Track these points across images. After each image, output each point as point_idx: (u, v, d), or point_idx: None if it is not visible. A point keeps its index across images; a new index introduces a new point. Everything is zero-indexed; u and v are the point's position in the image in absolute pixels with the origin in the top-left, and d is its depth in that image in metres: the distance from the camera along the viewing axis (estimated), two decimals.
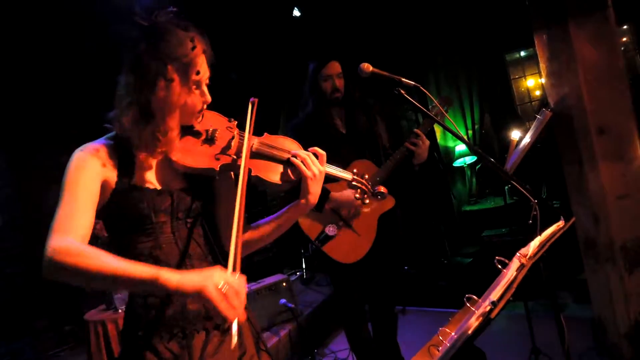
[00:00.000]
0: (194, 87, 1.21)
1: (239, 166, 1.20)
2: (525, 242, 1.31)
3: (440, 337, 1.16)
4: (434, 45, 5.72)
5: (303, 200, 1.30)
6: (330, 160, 1.38)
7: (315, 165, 1.30)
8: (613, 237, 2.35)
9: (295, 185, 1.33)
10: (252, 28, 4.88)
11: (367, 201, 1.42)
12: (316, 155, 1.33)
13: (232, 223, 1.10)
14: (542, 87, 5.32)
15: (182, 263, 1.24)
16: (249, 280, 3.97)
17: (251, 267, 4.48)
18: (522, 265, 1.20)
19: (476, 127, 5.86)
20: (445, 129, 1.78)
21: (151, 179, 1.24)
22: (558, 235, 1.37)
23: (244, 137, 1.27)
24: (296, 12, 5.06)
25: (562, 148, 2.53)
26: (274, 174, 1.30)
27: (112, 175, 1.18)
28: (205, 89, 1.25)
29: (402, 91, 1.62)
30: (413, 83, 1.63)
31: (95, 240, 1.14)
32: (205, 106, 1.27)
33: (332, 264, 2.38)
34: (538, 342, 2.51)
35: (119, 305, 3.05)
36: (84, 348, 3.24)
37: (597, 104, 2.32)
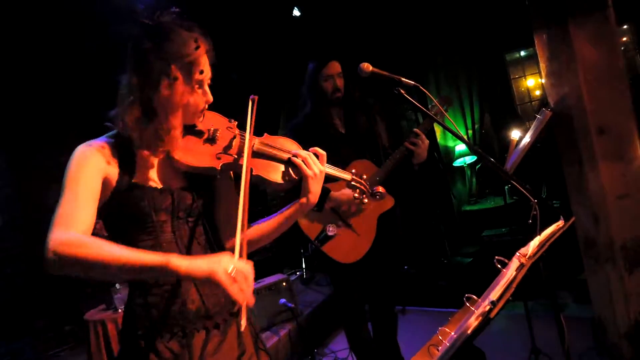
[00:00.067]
0: (197, 86, 1.22)
1: (241, 165, 1.21)
2: (525, 242, 1.31)
3: (440, 337, 1.16)
4: (434, 45, 5.72)
5: (304, 200, 1.32)
6: (330, 160, 1.39)
7: (316, 165, 1.31)
8: (613, 237, 2.35)
9: (295, 184, 1.34)
10: (252, 28, 4.88)
11: (366, 201, 1.44)
12: (316, 155, 1.34)
13: (235, 216, 1.11)
14: (542, 86, 5.32)
15: None
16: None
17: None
18: (521, 265, 1.20)
19: (476, 126, 5.86)
20: (445, 128, 1.78)
21: (152, 177, 1.25)
22: (558, 235, 1.37)
23: (244, 136, 1.28)
24: (296, 12, 5.06)
25: (562, 148, 2.53)
26: (275, 173, 1.32)
27: (113, 173, 1.18)
28: (207, 88, 1.25)
29: (402, 91, 1.62)
30: (413, 83, 1.63)
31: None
32: (207, 106, 1.28)
33: (331, 263, 2.38)
34: (538, 342, 2.51)
35: (118, 305, 3.05)
36: (84, 348, 3.24)
37: (597, 104, 2.32)
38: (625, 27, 5.50)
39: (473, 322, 1.06)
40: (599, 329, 2.59)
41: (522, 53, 6.28)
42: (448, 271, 4.60)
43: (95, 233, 1.11)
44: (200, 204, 1.30)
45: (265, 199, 5.79)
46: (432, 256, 4.89)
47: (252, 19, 4.82)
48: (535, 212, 1.48)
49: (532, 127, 2.54)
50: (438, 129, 5.72)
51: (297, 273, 5.20)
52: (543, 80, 2.72)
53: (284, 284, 3.84)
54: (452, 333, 1.12)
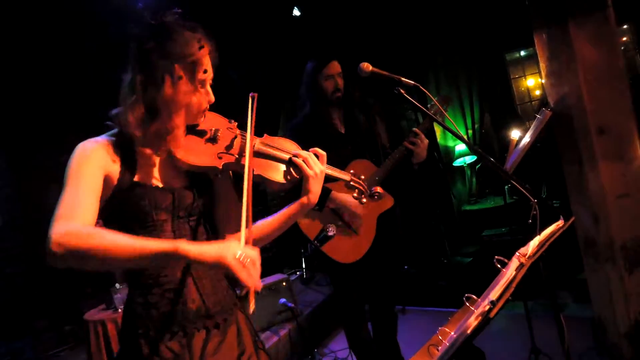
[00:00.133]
0: (199, 86, 1.23)
1: (242, 165, 1.22)
2: (524, 242, 1.31)
3: (440, 337, 1.16)
4: (434, 45, 5.72)
5: (304, 199, 1.33)
6: (330, 160, 1.40)
7: (316, 165, 1.33)
8: (613, 237, 2.35)
9: (295, 184, 1.35)
10: (252, 28, 4.88)
11: (364, 201, 1.45)
12: (317, 156, 1.35)
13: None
14: (542, 86, 5.32)
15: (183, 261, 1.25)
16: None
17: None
18: (521, 265, 1.20)
19: (476, 126, 5.86)
20: (445, 128, 1.78)
21: (153, 176, 1.25)
22: (557, 234, 1.37)
23: (245, 137, 1.29)
24: (296, 12, 5.06)
25: (562, 148, 2.53)
26: (275, 173, 1.33)
27: (114, 171, 1.18)
28: (209, 88, 1.26)
29: (402, 91, 1.62)
30: (413, 82, 1.63)
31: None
32: (208, 106, 1.29)
33: (331, 263, 2.38)
34: (538, 342, 2.51)
35: (118, 305, 3.05)
36: (84, 348, 3.24)
37: (597, 104, 2.32)
38: (625, 27, 5.51)
39: (473, 321, 1.06)
40: (599, 328, 2.59)
41: (522, 53, 6.28)
42: (448, 271, 4.60)
43: None
44: (200, 204, 1.30)
45: (265, 199, 5.79)
46: (432, 256, 4.89)
47: (252, 19, 4.82)
48: (535, 212, 1.48)
49: (532, 126, 2.54)
50: (438, 129, 5.72)
51: (297, 273, 5.20)
52: (543, 80, 2.72)
53: (284, 284, 3.84)
54: (452, 333, 1.12)
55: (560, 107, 2.46)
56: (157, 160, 1.27)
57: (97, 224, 1.15)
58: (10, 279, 4.23)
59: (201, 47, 1.19)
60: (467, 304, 1.16)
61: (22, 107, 4.38)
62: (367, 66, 1.68)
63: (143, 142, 1.21)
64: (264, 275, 3.67)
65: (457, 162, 5.71)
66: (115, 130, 1.24)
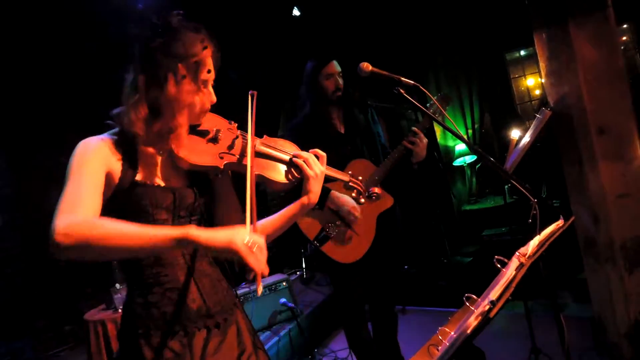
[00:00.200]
0: (202, 86, 1.23)
1: (244, 165, 1.24)
2: (524, 242, 1.31)
3: (440, 337, 1.16)
4: (434, 45, 5.72)
5: (304, 199, 1.34)
6: (329, 160, 1.41)
7: (317, 166, 1.34)
8: (613, 237, 2.35)
9: (295, 185, 1.36)
10: (252, 27, 4.88)
11: (362, 201, 1.49)
12: (317, 157, 1.37)
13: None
14: (542, 86, 5.32)
15: (184, 259, 1.26)
16: (249, 280, 3.99)
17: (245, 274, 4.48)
18: (521, 265, 1.20)
19: (476, 126, 5.86)
20: (445, 128, 1.78)
21: (154, 175, 1.25)
22: (557, 234, 1.37)
23: (246, 137, 1.30)
24: (296, 12, 5.06)
25: (562, 147, 2.53)
26: (276, 173, 1.34)
27: (116, 169, 1.18)
28: (211, 89, 1.27)
29: (402, 90, 1.62)
30: (413, 82, 1.63)
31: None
32: (210, 106, 1.29)
33: (331, 264, 2.38)
34: (538, 342, 2.51)
35: (118, 305, 3.05)
36: (84, 348, 3.24)
37: (597, 104, 2.32)
38: (625, 26, 5.50)
39: (473, 321, 1.06)
40: (599, 328, 2.59)
41: (522, 52, 6.28)
42: (448, 271, 4.59)
43: None
44: (201, 203, 1.31)
45: (265, 199, 5.79)
46: (432, 256, 4.88)
47: (252, 19, 4.82)
48: (535, 212, 1.48)
49: (532, 126, 2.54)
50: (438, 129, 5.72)
51: (297, 273, 5.20)
52: (543, 80, 2.72)
53: (284, 284, 3.84)
54: (452, 333, 1.12)
55: (560, 107, 2.46)
56: (158, 159, 1.27)
57: None
58: (10, 279, 4.22)
59: (205, 48, 1.21)
60: (467, 303, 1.16)
61: (22, 107, 4.38)
62: (367, 66, 1.68)
63: (145, 141, 1.22)
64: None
65: (457, 162, 5.70)
66: (116, 130, 1.24)
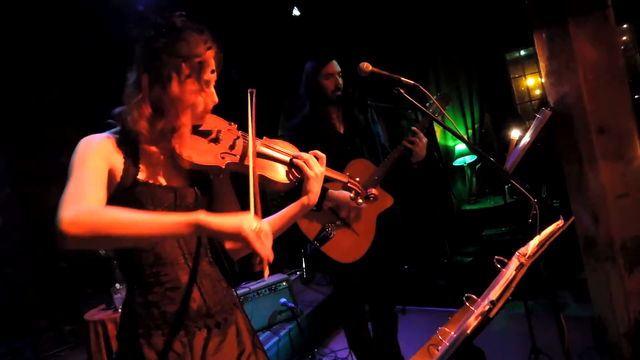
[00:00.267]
0: (205, 86, 1.24)
1: (245, 165, 1.26)
2: (524, 242, 1.31)
3: (440, 337, 1.16)
4: (434, 45, 5.72)
5: (305, 199, 1.35)
6: (329, 160, 1.42)
7: (317, 166, 1.36)
8: (613, 237, 2.35)
9: (295, 185, 1.37)
10: (252, 27, 4.88)
11: (360, 201, 1.51)
12: (316, 158, 1.39)
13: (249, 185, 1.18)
14: (542, 86, 5.31)
15: (184, 259, 1.26)
16: (249, 280, 3.99)
17: (251, 266, 4.47)
18: (521, 265, 1.20)
19: (476, 126, 5.86)
20: (445, 128, 1.78)
21: (155, 175, 1.26)
22: (557, 234, 1.37)
23: (247, 137, 1.31)
24: (296, 12, 5.06)
25: (562, 147, 2.53)
26: (277, 173, 1.35)
27: (118, 167, 1.19)
28: (213, 89, 1.28)
29: (402, 90, 1.62)
30: (412, 82, 1.63)
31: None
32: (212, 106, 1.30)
33: (331, 263, 2.38)
34: (538, 342, 2.51)
35: (118, 305, 3.05)
36: (84, 348, 3.24)
37: (597, 104, 2.32)
38: (625, 26, 5.50)
39: (473, 321, 1.06)
40: (599, 328, 2.58)
41: (522, 52, 6.27)
42: (448, 271, 4.59)
43: None
44: (201, 203, 1.32)
45: (265, 199, 5.79)
46: (432, 256, 4.88)
47: (252, 19, 4.82)
48: (535, 212, 1.48)
49: (532, 126, 2.54)
50: (438, 129, 5.72)
51: (297, 273, 5.20)
52: (543, 80, 2.71)
53: (284, 284, 3.84)
54: (452, 333, 1.12)
55: (560, 107, 2.46)
56: (160, 159, 1.27)
57: None
58: (10, 279, 4.22)
59: (209, 48, 1.21)
60: (467, 303, 1.16)
61: (22, 107, 4.38)
62: (366, 66, 1.68)
63: (147, 140, 1.22)
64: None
65: (457, 162, 5.70)
66: (117, 128, 1.25)
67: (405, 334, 2.83)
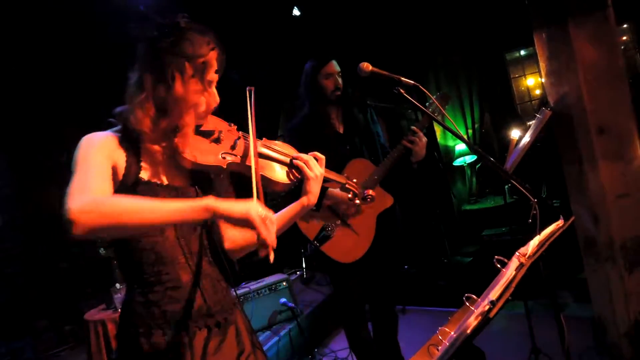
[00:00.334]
0: (208, 86, 1.24)
1: (246, 165, 1.27)
2: (524, 242, 1.31)
3: (440, 337, 1.16)
4: (434, 45, 5.72)
5: (304, 200, 1.36)
6: (328, 160, 1.44)
7: (316, 167, 1.37)
8: (613, 237, 2.35)
9: (294, 186, 1.39)
10: (252, 27, 4.88)
11: (357, 202, 1.55)
12: (315, 159, 1.40)
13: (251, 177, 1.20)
14: (542, 86, 5.32)
15: (184, 259, 1.26)
16: (249, 280, 3.99)
17: (251, 266, 4.48)
18: (521, 265, 1.20)
19: (476, 126, 5.86)
20: (445, 127, 1.78)
21: (157, 174, 1.26)
22: (557, 234, 1.37)
23: (247, 137, 1.32)
24: (296, 12, 5.06)
25: (562, 147, 2.53)
26: (277, 173, 1.37)
27: (120, 164, 1.19)
28: (215, 90, 1.28)
29: (402, 90, 1.62)
30: (412, 82, 1.63)
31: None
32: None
33: (331, 263, 2.38)
34: (538, 342, 2.51)
35: (118, 305, 3.05)
36: (84, 348, 3.24)
37: (597, 104, 2.32)
38: (625, 26, 5.50)
39: (473, 321, 1.06)
40: (599, 328, 2.58)
41: (522, 52, 6.27)
42: (448, 271, 4.59)
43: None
44: None
45: (265, 199, 5.78)
46: (432, 256, 4.88)
47: (252, 19, 4.82)
48: (535, 212, 1.48)
49: (532, 126, 2.54)
50: (438, 129, 5.72)
51: (297, 273, 5.20)
52: (543, 80, 2.72)
53: (284, 283, 3.84)
54: (452, 333, 1.12)
55: (560, 107, 2.46)
56: (162, 158, 1.27)
57: None
58: (10, 279, 4.23)
59: (213, 49, 1.22)
60: (467, 303, 1.16)
61: (23, 107, 4.38)
62: (367, 66, 1.68)
63: (150, 139, 1.23)
64: (263, 275, 3.66)
65: (457, 162, 5.70)
66: (118, 127, 1.25)
67: (405, 334, 2.83)
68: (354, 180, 1.54)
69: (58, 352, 4.19)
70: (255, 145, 1.27)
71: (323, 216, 2.38)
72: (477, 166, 5.80)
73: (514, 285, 1.14)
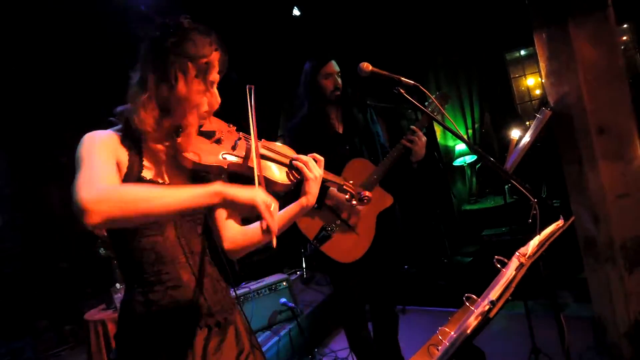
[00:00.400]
0: (210, 86, 1.25)
1: (247, 166, 1.28)
2: (524, 242, 1.31)
3: (440, 337, 1.16)
4: (434, 45, 5.72)
5: (303, 200, 1.37)
6: (328, 160, 1.44)
7: (315, 169, 1.38)
8: (613, 237, 2.35)
9: (294, 186, 1.39)
10: (252, 27, 4.88)
11: (354, 203, 1.56)
12: (315, 160, 1.41)
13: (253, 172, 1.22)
14: (542, 86, 5.31)
15: (185, 258, 1.26)
16: (249, 280, 3.99)
17: (251, 266, 4.48)
18: (521, 265, 1.20)
19: (476, 126, 5.86)
20: (444, 127, 1.78)
21: (159, 173, 1.27)
22: (557, 234, 1.37)
23: (248, 138, 1.33)
24: (296, 12, 5.06)
25: (562, 147, 2.53)
26: (277, 174, 1.37)
27: (123, 162, 1.20)
28: (216, 91, 1.28)
29: (402, 90, 1.62)
30: (412, 82, 1.63)
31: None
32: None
33: (331, 263, 2.38)
34: (538, 342, 2.51)
35: (119, 305, 3.05)
36: (84, 348, 3.24)
37: (597, 104, 2.32)
38: (625, 26, 5.50)
39: (473, 321, 1.06)
40: (599, 328, 2.58)
41: (522, 52, 6.28)
42: (448, 271, 4.59)
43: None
44: None
45: None
46: (432, 256, 4.89)
47: (252, 19, 4.82)
48: (535, 212, 1.48)
49: (532, 126, 2.54)
50: (438, 129, 5.72)
51: (297, 273, 5.20)
52: (543, 80, 2.72)
53: (284, 283, 3.84)
54: (452, 333, 1.12)
55: (560, 107, 2.46)
56: (163, 157, 1.28)
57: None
58: (10, 279, 4.23)
59: (215, 50, 1.22)
60: (467, 303, 1.16)
61: (23, 107, 4.38)
62: (367, 66, 1.68)
63: (152, 139, 1.23)
64: (263, 275, 3.66)
65: (457, 162, 5.70)
66: (119, 126, 1.25)
67: (405, 334, 2.83)
68: (351, 181, 1.56)
69: (58, 352, 4.19)
70: (257, 141, 1.28)
71: (323, 216, 2.38)
72: (477, 166, 5.80)
73: (514, 285, 1.14)
